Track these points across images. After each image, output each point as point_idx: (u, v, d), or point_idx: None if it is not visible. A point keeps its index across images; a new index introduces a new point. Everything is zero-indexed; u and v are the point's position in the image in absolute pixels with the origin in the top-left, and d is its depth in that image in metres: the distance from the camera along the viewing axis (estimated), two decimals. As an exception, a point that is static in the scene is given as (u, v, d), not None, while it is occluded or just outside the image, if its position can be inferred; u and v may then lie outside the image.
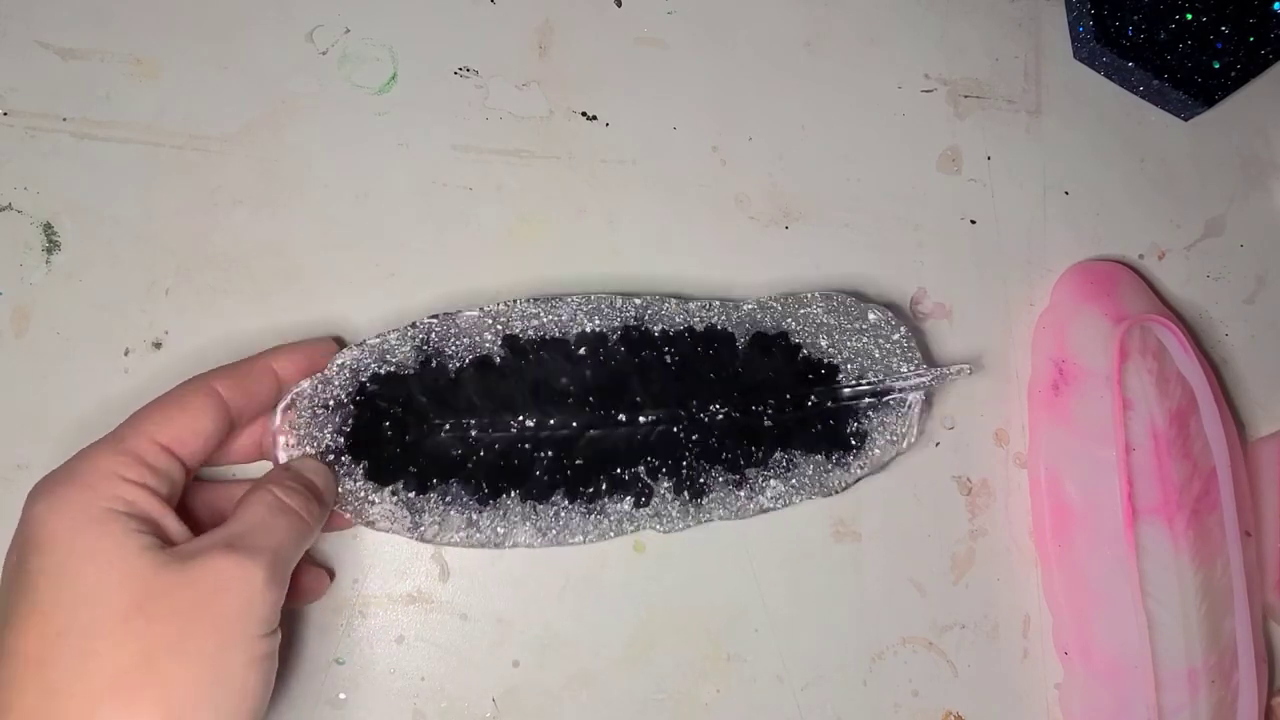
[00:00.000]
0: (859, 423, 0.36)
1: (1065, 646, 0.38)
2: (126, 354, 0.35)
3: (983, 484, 0.40)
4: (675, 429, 0.35)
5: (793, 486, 0.36)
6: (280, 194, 0.37)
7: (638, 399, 0.35)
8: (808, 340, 0.36)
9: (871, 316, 0.37)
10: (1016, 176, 0.42)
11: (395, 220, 0.37)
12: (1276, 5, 0.41)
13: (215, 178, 0.36)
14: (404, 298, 0.37)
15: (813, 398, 0.36)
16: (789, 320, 0.36)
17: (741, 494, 0.35)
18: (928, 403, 0.37)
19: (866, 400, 0.36)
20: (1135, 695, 0.36)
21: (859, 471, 0.36)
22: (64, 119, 0.36)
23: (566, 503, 0.34)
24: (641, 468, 0.35)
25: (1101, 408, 0.37)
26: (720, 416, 0.35)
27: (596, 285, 0.38)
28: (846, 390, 0.36)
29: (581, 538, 0.34)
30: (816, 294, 0.37)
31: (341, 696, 0.35)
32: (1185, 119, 0.43)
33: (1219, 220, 0.43)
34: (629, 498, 0.35)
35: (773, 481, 0.36)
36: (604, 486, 0.34)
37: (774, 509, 0.36)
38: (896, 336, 0.37)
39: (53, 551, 0.26)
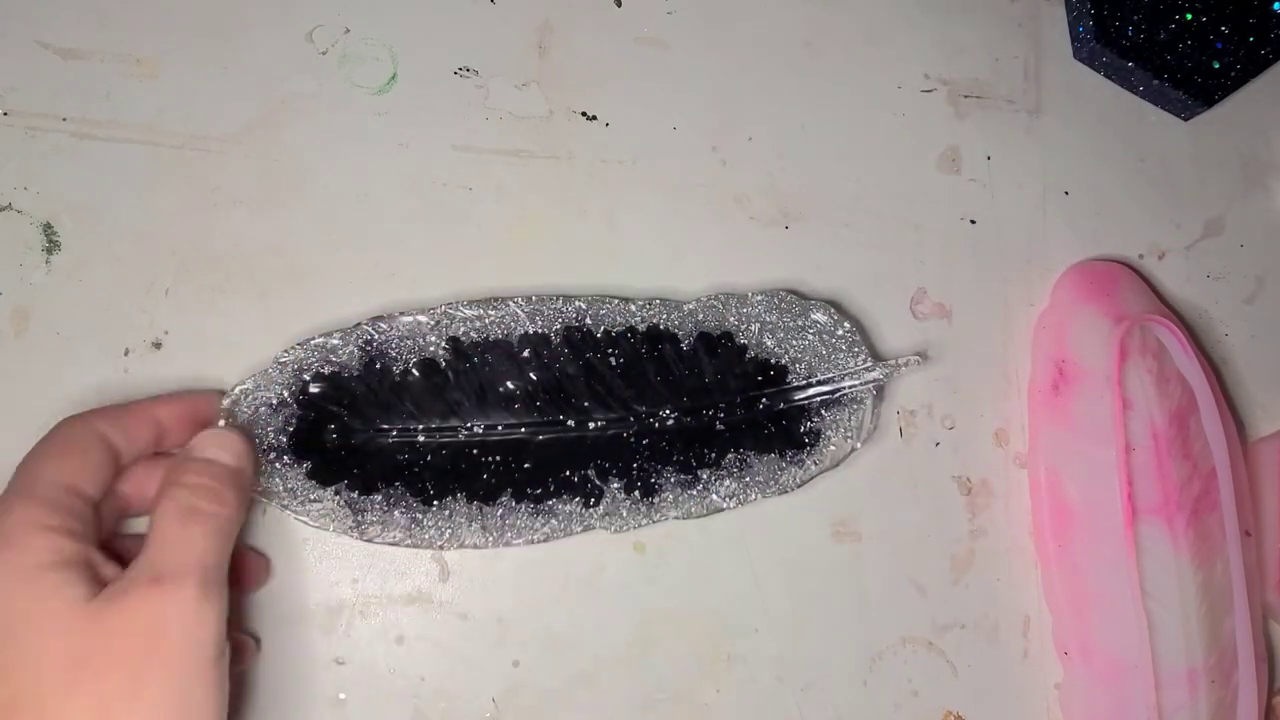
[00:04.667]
0: (811, 421, 0.36)
1: (1065, 646, 0.38)
2: (126, 354, 0.35)
3: (983, 484, 0.40)
4: (624, 433, 0.35)
5: (747, 485, 0.36)
6: (280, 194, 0.37)
7: (585, 402, 0.35)
8: (753, 340, 0.36)
9: (814, 314, 0.36)
10: (1016, 176, 0.42)
11: (395, 220, 0.37)
12: (1277, 5, 0.41)
13: (215, 178, 0.36)
14: (404, 298, 0.37)
15: (763, 400, 0.36)
16: (731, 318, 0.36)
17: (694, 493, 0.35)
18: (879, 396, 0.37)
19: (818, 398, 0.36)
20: (1135, 695, 0.36)
21: (814, 469, 0.36)
22: (64, 119, 0.36)
23: (513, 503, 0.34)
24: (591, 470, 0.35)
25: (1101, 408, 0.37)
26: (670, 421, 0.35)
27: (595, 286, 0.38)
28: (797, 393, 0.36)
29: (529, 537, 0.34)
30: (756, 293, 0.36)
31: (341, 696, 0.35)
32: (1185, 119, 0.43)
33: (1219, 220, 0.43)
34: (578, 498, 0.35)
35: (726, 481, 0.35)
36: (552, 488, 0.34)
37: (728, 508, 0.36)
38: (841, 332, 0.36)
39: None
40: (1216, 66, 0.41)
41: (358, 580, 0.36)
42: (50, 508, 0.27)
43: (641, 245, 0.38)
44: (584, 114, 0.39)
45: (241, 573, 0.33)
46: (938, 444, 0.40)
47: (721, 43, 0.40)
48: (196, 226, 0.36)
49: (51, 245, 0.35)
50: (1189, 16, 0.41)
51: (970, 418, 0.40)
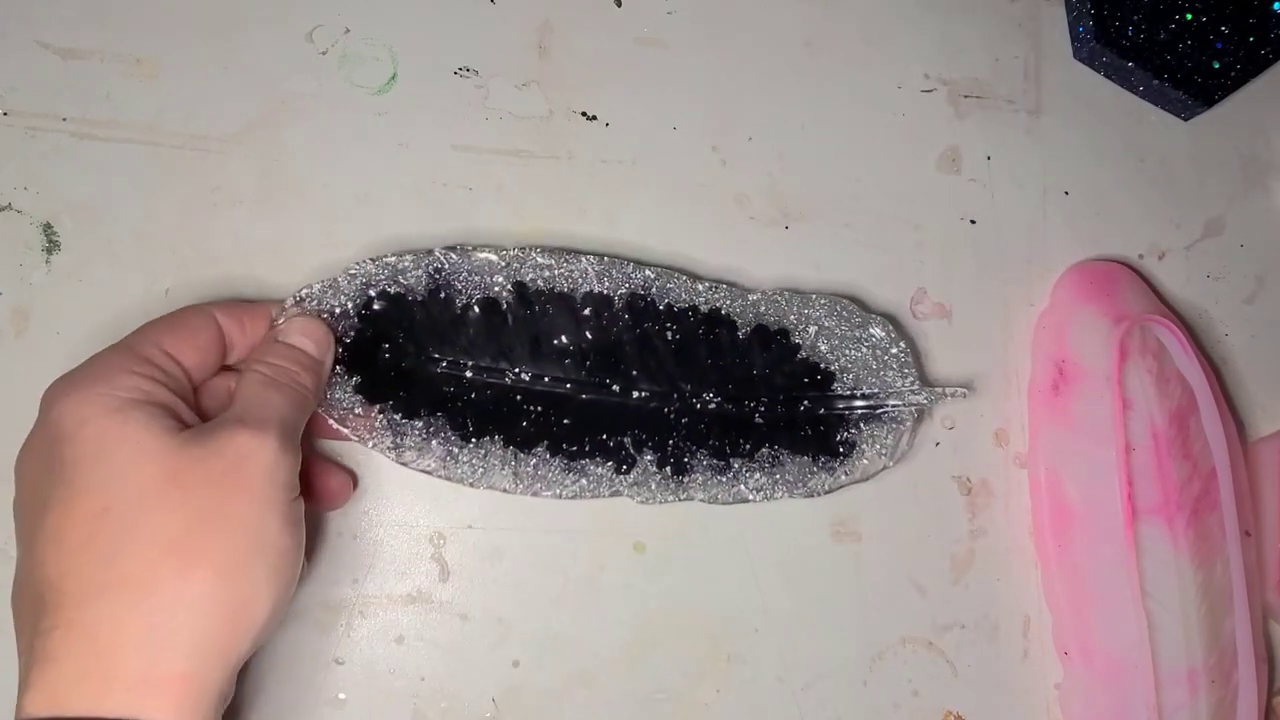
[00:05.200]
0: (849, 432, 0.36)
1: (1065, 646, 0.38)
2: (126, 354, 0.35)
3: (983, 484, 0.40)
4: (666, 409, 0.35)
5: (776, 481, 0.36)
6: (280, 194, 0.37)
7: (634, 371, 0.35)
8: (808, 342, 0.36)
9: (873, 328, 0.37)
10: (1016, 176, 0.42)
11: (395, 220, 0.37)
12: (1277, 5, 0.41)
13: (215, 178, 0.36)
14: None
15: (806, 402, 0.36)
16: (791, 316, 0.36)
17: (724, 480, 0.35)
18: (919, 421, 0.38)
19: (859, 411, 0.36)
20: (1135, 695, 0.36)
21: (844, 479, 0.36)
22: (64, 119, 0.36)
23: (548, 455, 0.35)
24: (628, 438, 0.35)
25: (1101, 408, 0.37)
26: (712, 405, 0.35)
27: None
28: (840, 402, 0.36)
29: (558, 491, 0.35)
30: (820, 296, 0.37)
31: (341, 696, 0.35)
32: (1185, 119, 0.43)
33: (1219, 220, 0.43)
34: (611, 463, 0.35)
35: (756, 474, 0.36)
36: (588, 448, 0.35)
37: (753, 500, 0.36)
38: (895, 350, 0.37)
39: (82, 439, 0.27)
40: (1216, 66, 0.41)
41: (358, 580, 0.36)
42: (141, 359, 0.29)
43: (641, 245, 0.38)
44: (584, 114, 0.39)
45: (331, 485, 0.34)
46: (938, 444, 0.40)
47: (721, 43, 0.40)
48: (196, 226, 0.36)
49: (51, 245, 0.35)
50: (1189, 16, 0.41)
51: (970, 418, 0.40)
